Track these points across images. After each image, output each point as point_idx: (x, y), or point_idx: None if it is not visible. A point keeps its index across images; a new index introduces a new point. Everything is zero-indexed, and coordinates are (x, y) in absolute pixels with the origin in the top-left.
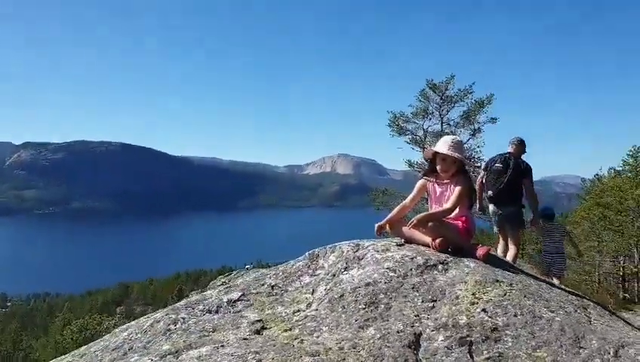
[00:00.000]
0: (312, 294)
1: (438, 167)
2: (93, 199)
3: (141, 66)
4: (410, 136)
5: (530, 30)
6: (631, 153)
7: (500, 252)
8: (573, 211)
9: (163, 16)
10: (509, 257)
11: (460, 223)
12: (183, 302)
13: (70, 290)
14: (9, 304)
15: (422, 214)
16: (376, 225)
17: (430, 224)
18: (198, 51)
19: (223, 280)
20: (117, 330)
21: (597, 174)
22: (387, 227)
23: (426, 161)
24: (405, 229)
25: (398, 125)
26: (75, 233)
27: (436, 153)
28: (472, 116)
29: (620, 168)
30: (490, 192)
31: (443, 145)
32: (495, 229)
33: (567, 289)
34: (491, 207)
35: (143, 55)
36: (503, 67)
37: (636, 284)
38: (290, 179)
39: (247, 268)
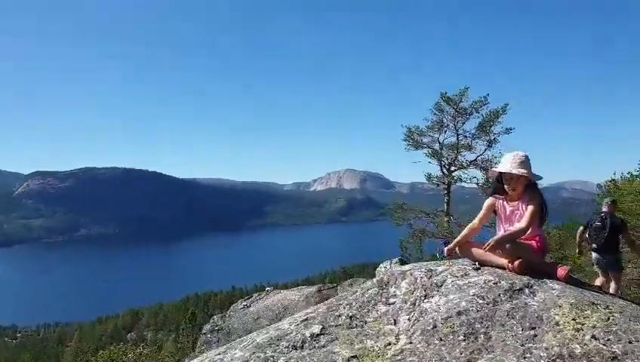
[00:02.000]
0: (395, 324)
1: (505, 186)
2: (100, 226)
3: (143, 91)
4: (426, 150)
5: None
6: None
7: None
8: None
9: (166, 39)
10: (612, 291)
11: (534, 243)
12: (261, 339)
13: (80, 318)
14: (19, 335)
15: (498, 235)
16: (446, 249)
17: (507, 245)
18: (201, 73)
19: (244, 303)
20: None
21: (613, 179)
22: (457, 249)
23: (489, 180)
24: (477, 251)
25: (413, 139)
26: (84, 260)
27: (501, 173)
28: (487, 127)
29: (637, 172)
30: (594, 245)
31: (506, 164)
32: (597, 270)
33: None
34: (594, 254)
35: (144, 80)
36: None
37: None
38: (297, 197)
39: (267, 291)
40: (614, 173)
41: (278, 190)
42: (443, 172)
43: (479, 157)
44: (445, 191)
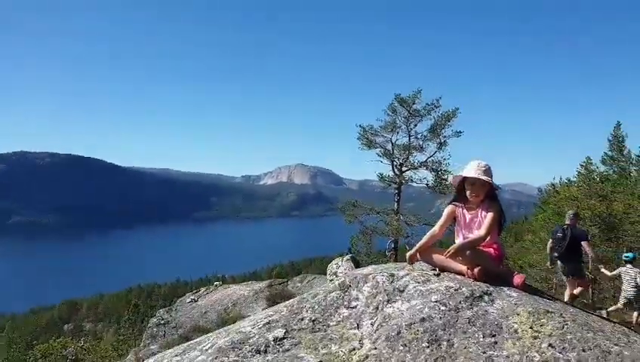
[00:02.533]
0: (358, 329)
1: (467, 193)
2: (35, 213)
3: (90, 74)
4: (379, 149)
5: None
6: (583, 164)
7: (566, 297)
8: (526, 219)
9: (113, 22)
10: (576, 292)
11: (492, 250)
12: (223, 342)
13: (12, 309)
14: None
15: (458, 243)
16: (407, 255)
17: (467, 252)
18: (151, 59)
19: (192, 297)
20: None
21: (552, 184)
22: (417, 255)
23: (454, 187)
24: (437, 257)
25: (367, 138)
26: (16, 249)
27: (465, 178)
28: (438, 130)
29: (575, 178)
30: (555, 254)
31: (471, 170)
32: (563, 278)
33: (605, 317)
34: (559, 262)
35: (92, 62)
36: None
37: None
38: (247, 190)
39: (215, 285)
40: (554, 178)
41: (227, 182)
42: (394, 172)
43: (429, 159)
44: (396, 191)
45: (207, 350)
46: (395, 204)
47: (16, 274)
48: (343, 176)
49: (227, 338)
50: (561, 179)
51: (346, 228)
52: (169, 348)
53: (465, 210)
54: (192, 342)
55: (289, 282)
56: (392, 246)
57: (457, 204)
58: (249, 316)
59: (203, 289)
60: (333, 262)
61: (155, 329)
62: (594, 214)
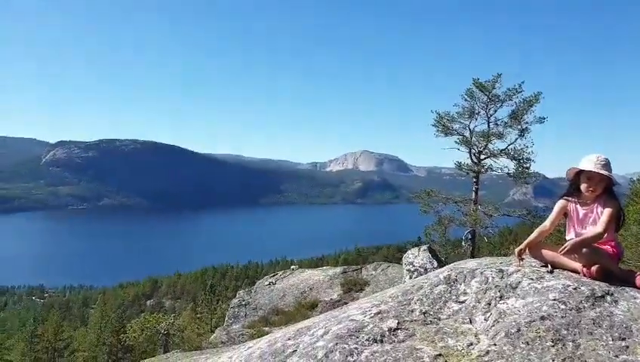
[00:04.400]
0: (471, 324)
1: (583, 187)
2: (123, 196)
3: (167, 65)
4: (457, 137)
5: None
6: None
7: None
8: None
9: (184, 16)
10: None
11: (609, 248)
12: (338, 329)
13: (102, 282)
14: (46, 295)
15: (575, 239)
16: (516, 250)
17: (584, 250)
18: (223, 51)
19: (270, 280)
20: (281, 351)
21: None
22: (527, 250)
23: (568, 180)
24: (548, 253)
25: (443, 125)
26: (107, 229)
27: (580, 171)
28: (519, 116)
29: None
30: None
31: (589, 163)
32: None
33: None
34: None
35: (169, 55)
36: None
37: None
38: (313, 176)
39: (292, 269)
40: None
41: (293, 168)
42: (472, 160)
43: (510, 146)
44: (474, 180)
45: (323, 336)
46: (473, 193)
47: (106, 252)
48: (410, 163)
49: (341, 325)
50: None
51: (411, 216)
52: (251, 329)
53: (578, 205)
54: (300, 326)
55: (363, 269)
56: (470, 236)
57: (570, 198)
58: (325, 300)
59: (280, 273)
60: (410, 251)
61: (236, 310)
62: None
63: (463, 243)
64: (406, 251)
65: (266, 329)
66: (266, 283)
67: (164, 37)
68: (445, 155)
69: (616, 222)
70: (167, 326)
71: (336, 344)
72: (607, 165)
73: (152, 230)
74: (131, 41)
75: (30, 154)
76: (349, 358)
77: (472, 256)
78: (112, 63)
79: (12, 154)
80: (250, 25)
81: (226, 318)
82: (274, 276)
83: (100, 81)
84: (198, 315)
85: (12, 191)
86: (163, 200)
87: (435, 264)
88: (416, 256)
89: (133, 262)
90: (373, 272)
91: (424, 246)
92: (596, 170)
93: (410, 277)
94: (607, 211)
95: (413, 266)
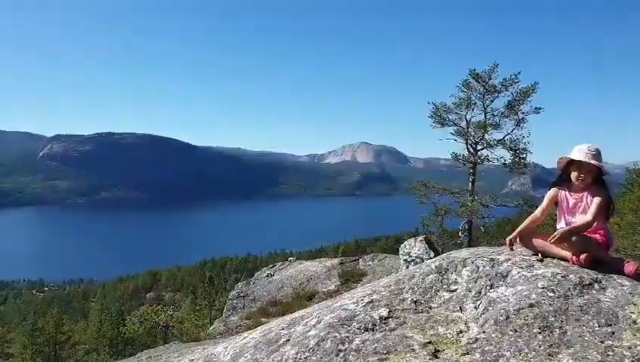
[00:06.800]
0: (462, 312)
1: (573, 176)
2: (120, 189)
3: (164, 58)
4: (453, 128)
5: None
6: None
7: None
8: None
9: (180, 11)
10: None
11: (598, 236)
12: (330, 318)
13: (102, 277)
14: (46, 289)
15: (565, 228)
16: (507, 239)
17: (574, 238)
18: (221, 43)
19: (268, 272)
20: (274, 340)
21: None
22: (517, 239)
23: (559, 169)
24: (538, 241)
25: (439, 116)
26: (105, 222)
27: (571, 161)
28: (516, 106)
29: None
30: None
31: (579, 153)
32: None
33: None
34: None
35: (167, 47)
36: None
37: None
38: (312, 168)
39: (290, 260)
40: None
41: (291, 161)
42: (469, 151)
43: (507, 137)
44: (471, 171)
45: (315, 325)
46: (470, 183)
47: (105, 246)
48: (409, 155)
49: (333, 314)
50: None
51: (409, 207)
52: (249, 320)
53: (568, 194)
54: (294, 316)
55: (360, 260)
56: (466, 227)
57: (560, 187)
58: (322, 291)
59: (278, 264)
60: (406, 242)
61: (234, 302)
62: None
63: (459, 233)
64: (403, 242)
65: (264, 320)
66: (264, 274)
67: (166, 31)
68: (443, 146)
69: (606, 211)
70: (166, 319)
71: (328, 332)
72: (597, 155)
73: (151, 223)
74: (130, 34)
75: (26, 149)
76: (340, 346)
77: (469, 247)
78: (109, 56)
79: (8, 148)
80: (249, 20)
81: (225, 310)
82: (272, 268)
83: (97, 74)
84: (197, 307)
85: (9, 186)
86: (161, 193)
87: (432, 254)
88: (413, 247)
89: (133, 256)
90: (371, 263)
91: (421, 237)
92: (586, 160)
93: (407, 268)
94: (597, 200)
95: (410, 257)
